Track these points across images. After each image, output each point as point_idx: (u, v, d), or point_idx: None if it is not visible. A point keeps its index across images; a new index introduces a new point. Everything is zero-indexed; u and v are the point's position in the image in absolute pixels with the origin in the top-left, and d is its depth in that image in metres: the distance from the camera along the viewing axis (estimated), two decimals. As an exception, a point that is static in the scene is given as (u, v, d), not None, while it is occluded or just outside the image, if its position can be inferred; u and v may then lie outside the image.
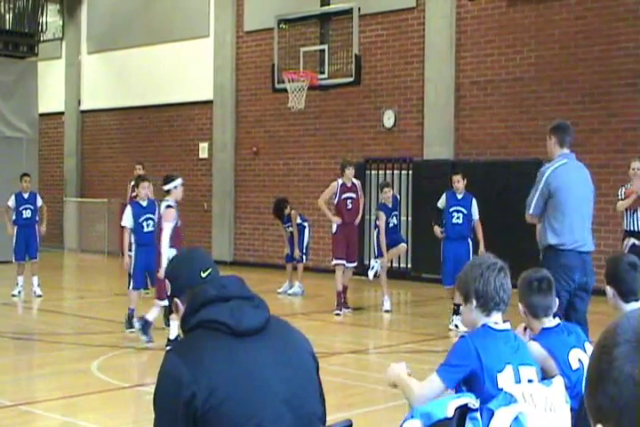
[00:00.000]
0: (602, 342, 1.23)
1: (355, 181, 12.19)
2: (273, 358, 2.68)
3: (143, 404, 6.57)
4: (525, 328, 4.22)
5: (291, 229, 14.13)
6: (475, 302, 3.56)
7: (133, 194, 14.56)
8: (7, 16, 19.63)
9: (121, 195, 15.81)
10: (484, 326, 3.57)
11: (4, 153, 18.93)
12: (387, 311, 12.13)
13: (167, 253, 9.40)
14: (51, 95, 22.29)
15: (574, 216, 6.72)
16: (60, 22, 23.02)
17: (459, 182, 11.05)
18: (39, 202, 13.79)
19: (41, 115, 20.66)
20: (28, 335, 10.32)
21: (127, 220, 10.48)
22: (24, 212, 13.56)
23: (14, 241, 13.51)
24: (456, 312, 10.28)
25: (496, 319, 3.58)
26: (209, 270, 3.06)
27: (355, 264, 12.15)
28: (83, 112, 22.69)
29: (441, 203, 11.15)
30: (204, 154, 19.77)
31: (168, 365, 2.61)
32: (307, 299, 13.79)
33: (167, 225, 9.54)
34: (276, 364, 2.67)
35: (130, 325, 10.28)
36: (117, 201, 19.96)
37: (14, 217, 13.57)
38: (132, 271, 10.50)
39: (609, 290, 4.36)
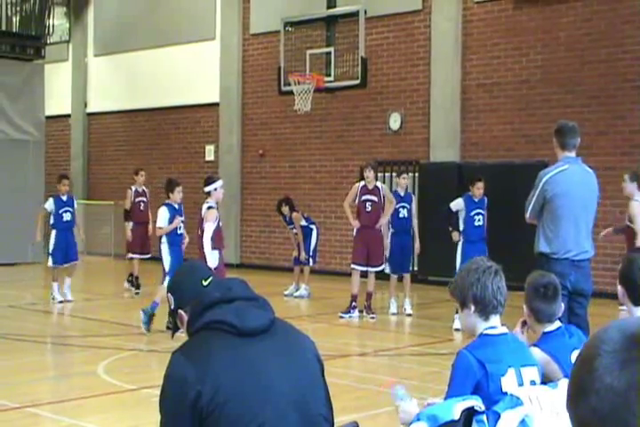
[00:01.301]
0: (583, 354, 1.23)
1: (379, 184, 12.05)
2: (278, 359, 2.69)
3: (150, 406, 6.55)
4: (524, 323, 4.22)
5: (295, 230, 14.16)
6: (473, 308, 3.56)
7: (138, 199, 14.64)
8: (14, 19, 19.69)
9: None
10: (480, 336, 3.57)
11: (11, 155, 18.98)
12: (393, 314, 12.13)
13: (211, 253, 9.66)
14: (57, 98, 22.33)
15: (569, 225, 6.68)
16: (67, 25, 23.07)
17: (480, 189, 11.20)
18: (76, 205, 13.63)
19: (47, 117, 20.70)
20: (34, 337, 10.33)
21: (163, 221, 10.67)
22: (64, 215, 13.23)
23: (53, 244, 13.11)
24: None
25: (494, 323, 3.59)
26: (210, 278, 3.09)
27: (378, 269, 11.95)
28: (89, 114, 22.74)
29: (455, 205, 11.19)
30: (210, 156, 19.79)
31: (174, 365, 2.63)
32: (313, 301, 13.79)
33: (209, 226, 9.73)
34: (281, 364, 2.68)
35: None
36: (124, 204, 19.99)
37: (52, 221, 13.27)
38: (168, 270, 10.57)
39: (620, 289, 4.36)
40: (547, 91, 14.71)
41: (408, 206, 12.19)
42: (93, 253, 21.57)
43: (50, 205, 13.34)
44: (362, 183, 12.00)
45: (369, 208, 11.85)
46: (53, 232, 13.22)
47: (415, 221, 12.36)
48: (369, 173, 11.88)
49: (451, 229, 11.22)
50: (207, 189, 10.00)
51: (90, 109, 22.70)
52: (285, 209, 14.23)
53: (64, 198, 13.38)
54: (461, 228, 11.17)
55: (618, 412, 1.15)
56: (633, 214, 9.63)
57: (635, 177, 9.76)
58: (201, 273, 3.17)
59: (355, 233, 12.10)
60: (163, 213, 10.77)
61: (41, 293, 14.31)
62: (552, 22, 14.68)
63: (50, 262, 13.18)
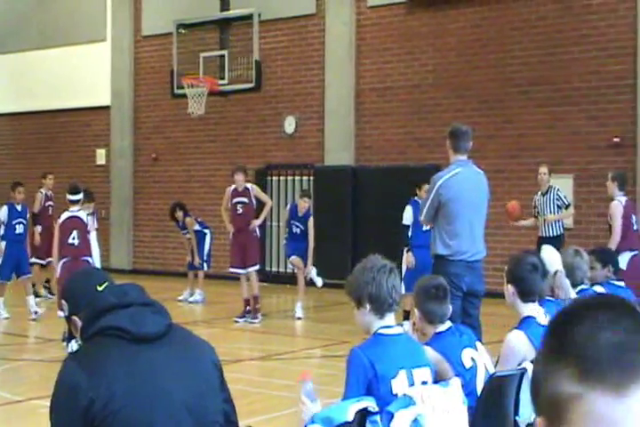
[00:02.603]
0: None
1: (248, 185, 12.01)
2: (174, 366, 2.63)
3: (38, 418, 6.34)
4: (414, 323, 4.28)
5: (188, 235, 14.02)
6: (369, 306, 3.59)
7: (47, 203, 14.20)
8: None
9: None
10: (375, 335, 3.58)
11: None
12: (299, 319, 12.09)
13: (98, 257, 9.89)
14: (-60, 100, 21.51)
15: (464, 227, 6.83)
16: (-50, 24, 22.24)
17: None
18: (28, 215, 12.57)
19: None
20: None
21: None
22: (17, 226, 12.09)
23: (3, 258, 11.89)
24: (405, 318, 10.05)
25: (389, 321, 3.62)
26: (105, 284, 3.04)
27: (253, 269, 11.90)
28: (-26, 117, 21.97)
29: (407, 219, 10.68)
30: (101, 160, 19.40)
31: (66, 372, 2.54)
32: (208, 306, 13.66)
33: (94, 233, 9.90)
34: (178, 371, 2.63)
35: None
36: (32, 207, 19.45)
37: (2, 232, 12.12)
38: None
39: (509, 288, 4.41)
40: (438, 95, 14.96)
41: (302, 227, 12.10)
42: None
43: (3, 213, 12.21)
44: (232, 186, 12.00)
45: (240, 210, 11.87)
46: (2, 244, 12.06)
47: (311, 241, 12.06)
48: (237, 177, 11.87)
49: (407, 249, 10.60)
50: (77, 197, 9.83)
51: (-26, 112, 21.93)
52: (179, 214, 14.07)
53: (19, 208, 12.32)
54: (409, 233, 10.71)
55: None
56: (612, 214, 9.90)
57: (615, 177, 10.06)
58: (95, 278, 3.11)
59: (230, 237, 12.08)
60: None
61: None
62: (443, 28, 14.94)
63: None
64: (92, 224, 9.80)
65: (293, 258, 12.23)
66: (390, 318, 3.63)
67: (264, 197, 12.16)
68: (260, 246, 12.18)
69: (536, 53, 14.01)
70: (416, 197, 10.98)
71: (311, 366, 9.08)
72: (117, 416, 2.45)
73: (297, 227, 12.14)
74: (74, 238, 9.60)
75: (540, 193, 11.59)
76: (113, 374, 2.50)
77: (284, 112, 16.70)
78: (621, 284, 6.28)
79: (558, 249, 10.73)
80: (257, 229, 11.99)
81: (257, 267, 12.02)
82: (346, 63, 15.83)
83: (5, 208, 12.36)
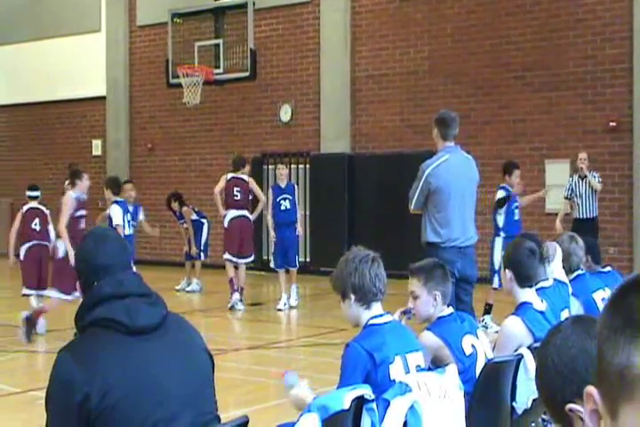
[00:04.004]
0: None
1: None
2: (170, 357, 2.61)
3: (35, 409, 6.32)
4: (404, 313, 4.21)
5: (185, 225, 14.01)
6: (353, 297, 3.56)
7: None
8: None
9: (9, 195, 15.30)
10: (366, 326, 3.55)
11: None
12: (291, 307, 12.04)
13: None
14: None
15: (454, 214, 6.81)
16: (-57, 16, 22.12)
17: (518, 178, 10.27)
18: (141, 216, 11.99)
19: None
20: None
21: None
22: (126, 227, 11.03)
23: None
24: (487, 312, 9.88)
25: (377, 310, 3.59)
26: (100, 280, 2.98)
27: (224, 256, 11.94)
28: (-31, 109, 21.89)
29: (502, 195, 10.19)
30: (97, 151, 19.36)
31: (60, 365, 2.52)
32: (205, 296, 13.66)
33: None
34: (174, 363, 2.61)
35: None
36: (7, 201, 19.39)
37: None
38: None
39: (507, 273, 4.39)
40: (434, 81, 14.90)
41: (290, 197, 11.83)
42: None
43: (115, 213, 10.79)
44: None
45: None
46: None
47: (299, 213, 12.15)
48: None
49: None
50: (36, 193, 10.79)
51: (-31, 104, 21.84)
52: (175, 204, 14.08)
53: (130, 209, 11.26)
54: (501, 223, 10.08)
55: None
56: None
57: None
58: (97, 273, 3.04)
59: None
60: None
61: None
62: (438, 14, 14.88)
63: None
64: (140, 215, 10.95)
65: (282, 272, 11.93)
66: (378, 308, 3.61)
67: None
68: (228, 236, 12.07)
69: (531, 38, 13.96)
70: (505, 184, 10.20)
71: (308, 354, 9.08)
72: (114, 411, 2.43)
73: (284, 200, 11.79)
74: (36, 225, 10.51)
75: (577, 177, 11.80)
76: (108, 368, 2.48)
77: (279, 100, 16.65)
78: (609, 269, 6.25)
79: (594, 231, 11.02)
80: (224, 220, 12.05)
81: (225, 256, 12.00)
82: (341, 51, 15.77)
83: (118, 207, 11.05)
